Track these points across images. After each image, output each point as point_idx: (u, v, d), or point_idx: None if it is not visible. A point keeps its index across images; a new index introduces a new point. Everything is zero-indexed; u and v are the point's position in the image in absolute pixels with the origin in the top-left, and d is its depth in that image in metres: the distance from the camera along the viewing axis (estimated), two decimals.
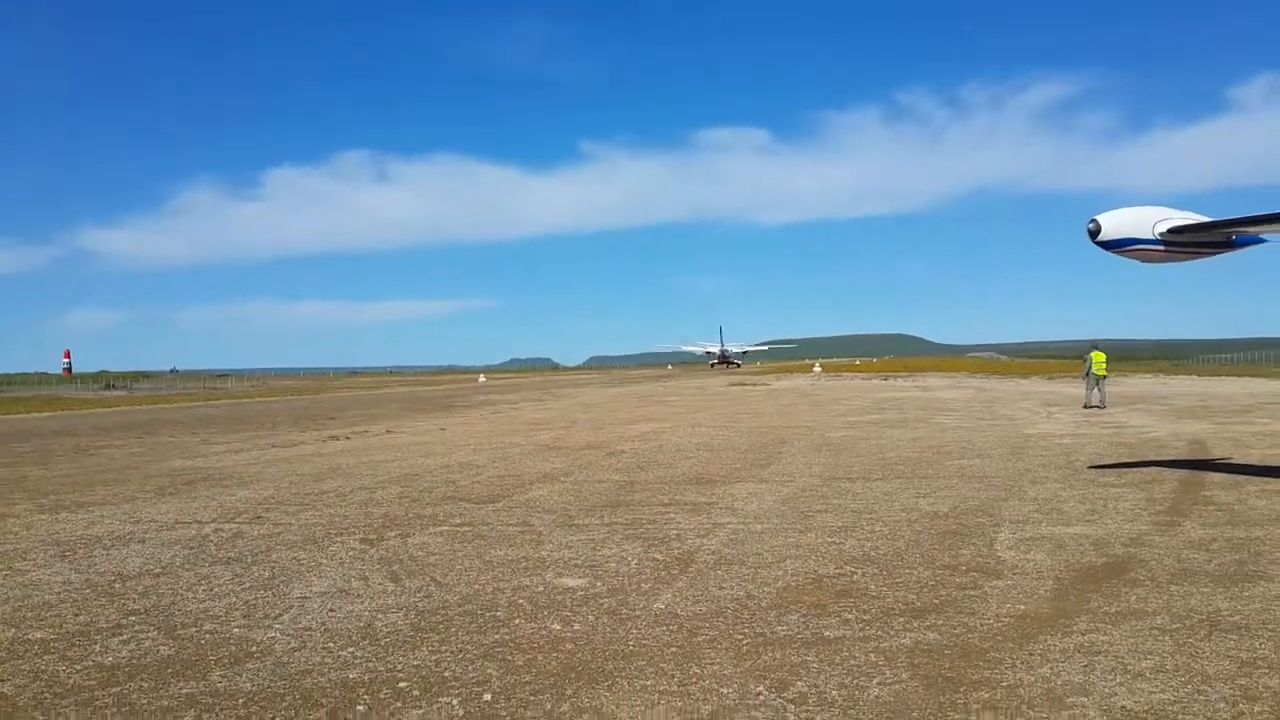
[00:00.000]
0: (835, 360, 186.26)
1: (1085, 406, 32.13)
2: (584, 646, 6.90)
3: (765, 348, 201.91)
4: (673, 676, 6.23)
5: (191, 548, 10.85)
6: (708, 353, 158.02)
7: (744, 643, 6.91)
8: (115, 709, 5.88)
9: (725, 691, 5.93)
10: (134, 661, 6.79)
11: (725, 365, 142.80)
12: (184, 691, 6.14)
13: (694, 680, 6.15)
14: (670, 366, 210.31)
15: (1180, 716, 5.34)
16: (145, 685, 6.28)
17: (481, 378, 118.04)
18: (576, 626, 7.41)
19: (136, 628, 7.63)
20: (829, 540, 10.53)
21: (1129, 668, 6.16)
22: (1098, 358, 33.21)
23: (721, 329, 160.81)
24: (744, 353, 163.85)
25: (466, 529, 11.66)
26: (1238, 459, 17.19)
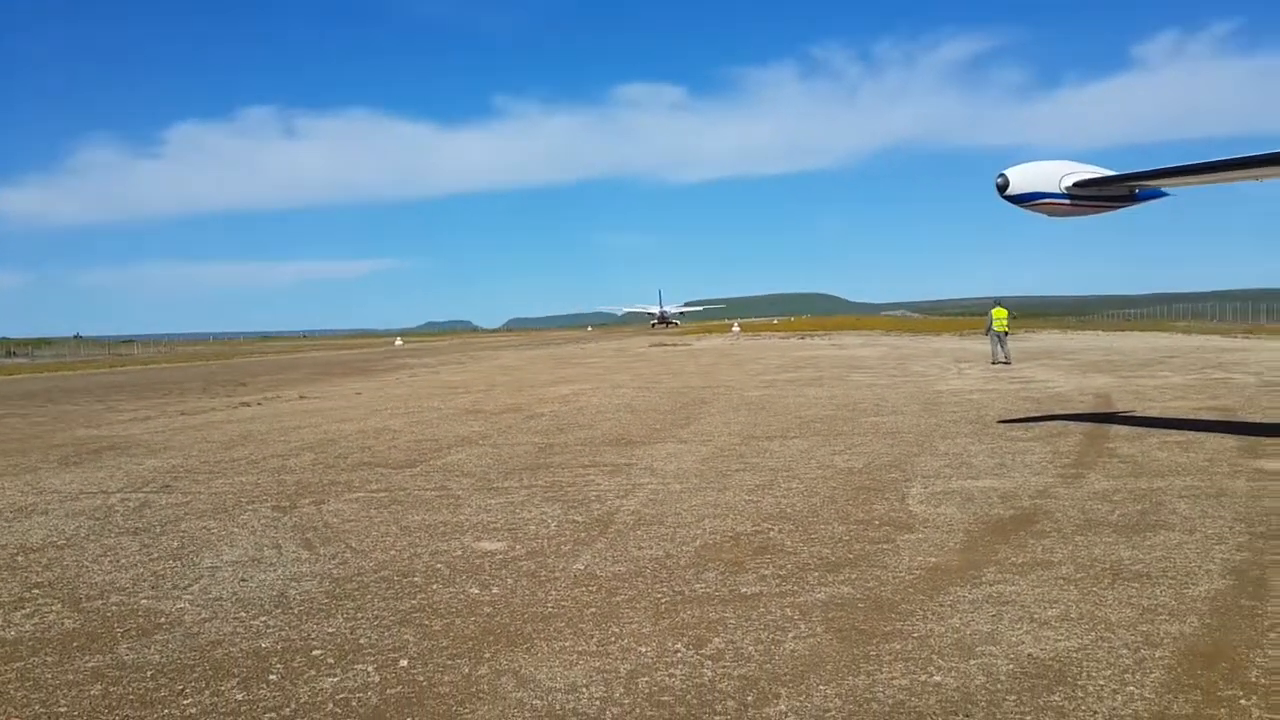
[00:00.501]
0: (753, 320, 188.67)
1: (992, 363, 32.82)
2: (502, 610, 6.88)
3: (700, 308, 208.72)
4: (592, 637, 6.24)
5: (97, 518, 10.57)
6: (649, 313, 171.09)
7: (662, 601, 6.95)
8: (19, 684, 5.71)
9: (644, 650, 5.96)
10: (38, 635, 6.61)
11: (665, 324, 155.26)
12: (90, 665, 5.99)
13: (613, 640, 6.17)
14: (590, 328, 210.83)
15: (1085, 663, 5.50)
16: (50, 659, 6.12)
17: (398, 341, 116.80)
18: (495, 590, 7.38)
19: (40, 601, 7.42)
20: (747, 498, 10.63)
21: (1035, 616, 6.33)
22: (999, 314, 33.87)
23: (660, 292, 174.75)
24: (681, 313, 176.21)
25: (383, 495, 11.53)
26: (1140, 412, 17.72)
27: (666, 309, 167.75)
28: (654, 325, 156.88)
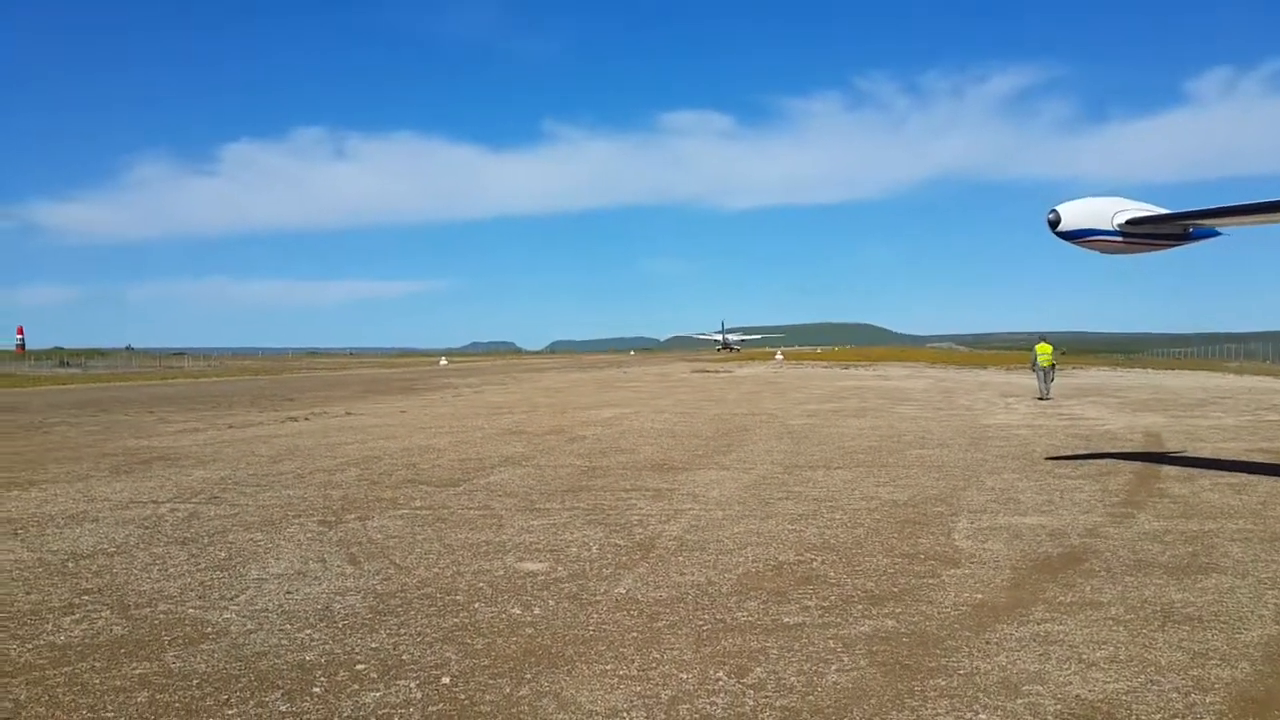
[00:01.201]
0: (796, 349, 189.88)
1: (1039, 399, 32.54)
2: (544, 631, 6.88)
3: (759, 336, 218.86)
4: (633, 661, 6.23)
5: (146, 527, 10.71)
6: (713, 339, 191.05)
7: (704, 628, 6.92)
8: (67, 688, 5.80)
9: (685, 677, 5.94)
10: (86, 641, 6.71)
11: (729, 350, 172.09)
12: (137, 672, 6.07)
13: (654, 665, 6.15)
14: (633, 352, 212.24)
15: (1134, 706, 5.41)
16: (98, 665, 6.21)
17: (443, 361, 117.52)
18: (537, 611, 7.39)
19: (89, 607, 7.53)
20: (789, 527, 10.57)
21: (1084, 657, 6.23)
22: (1043, 349, 33.76)
23: (724, 322, 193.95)
24: (742, 340, 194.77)
25: (426, 512, 11.60)
26: (1191, 452, 17.44)
27: (730, 336, 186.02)
28: (719, 350, 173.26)
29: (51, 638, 6.79)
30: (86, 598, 7.81)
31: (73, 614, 7.36)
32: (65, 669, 6.14)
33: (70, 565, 8.96)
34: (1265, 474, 14.50)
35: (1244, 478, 14.13)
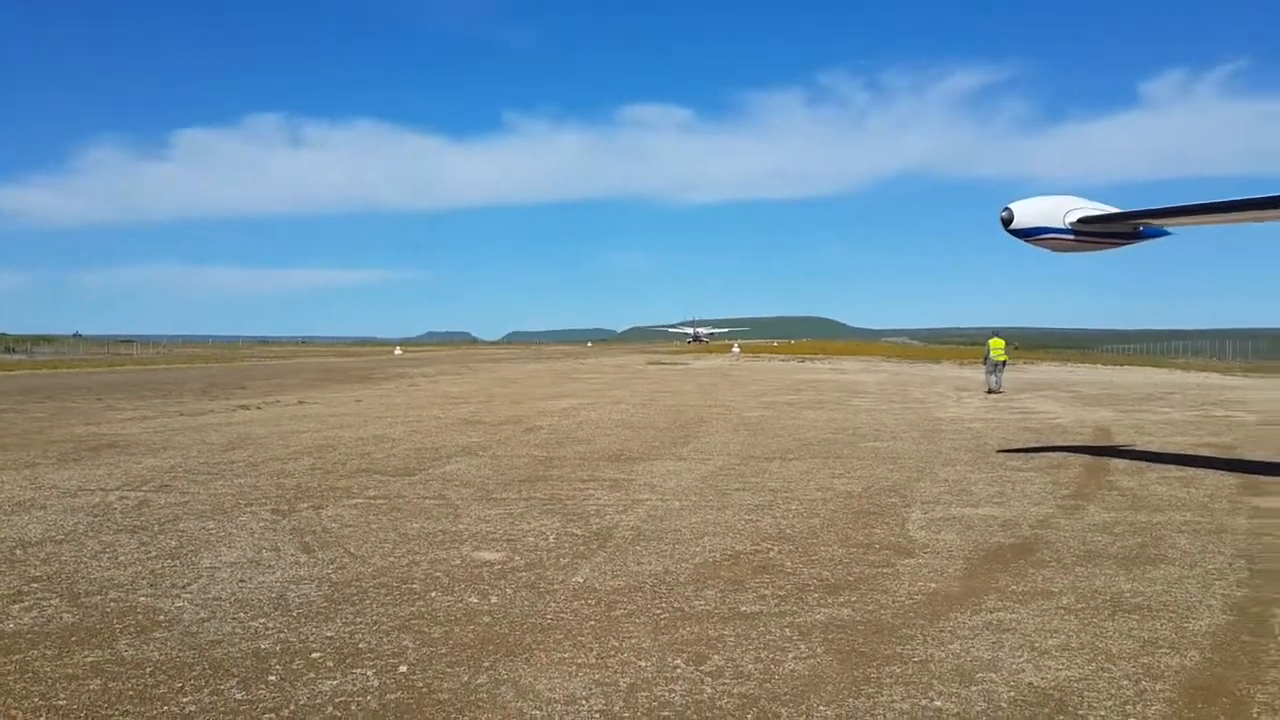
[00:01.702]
0: (753, 341, 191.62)
1: (988, 392, 32.95)
2: (501, 619, 6.87)
3: (726, 330, 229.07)
4: (591, 649, 6.23)
5: (96, 515, 10.55)
6: (683, 333, 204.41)
7: (662, 617, 6.94)
8: (17, 676, 5.70)
9: (643, 665, 5.95)
10: (36, 629, 6.60)
11: (699, 342, 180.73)
12: (89, 660, 5.98)
13: (612, 653, 6.16)
14: (590, 344, 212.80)
15: (1086, 693, 5.49)
16: (48, 653, 6.11)
17: (398, 350, 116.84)
18: (494, 599, 7.37)
19: (38, 595, 7.41)
20: (746, 518, 10.62)
21: (1036, 645, 6.32)
22: (996, 344, 34.29)
23: (695, 317, 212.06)
24: (710, 334, 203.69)
25: (382, 501, 11.52)
26: (1140, 446, 17.71)
27: (699, 330, 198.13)
28: (689, 342, 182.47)
29: (0, 625, 6.67)
30: (35, 585, 7.69)
31: (21, 602, 7.23)
32: (15, 657, 6.04)
33: (18, 553, 8.81)
34: (1212, 468, 14.77)
35: (1191, 471, 14.39)
